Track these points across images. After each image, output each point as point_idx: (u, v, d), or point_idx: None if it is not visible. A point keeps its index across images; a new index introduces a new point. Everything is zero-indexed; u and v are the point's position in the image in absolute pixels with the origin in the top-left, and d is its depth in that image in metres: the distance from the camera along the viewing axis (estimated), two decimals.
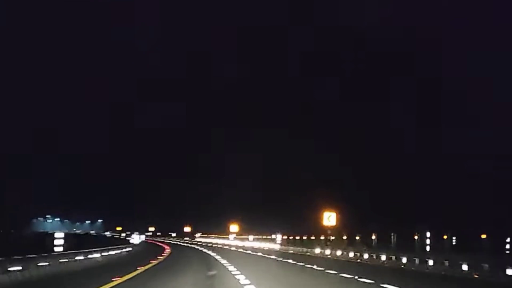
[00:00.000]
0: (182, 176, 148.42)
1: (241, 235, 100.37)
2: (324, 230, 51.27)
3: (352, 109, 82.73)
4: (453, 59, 69.87)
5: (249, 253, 55.27)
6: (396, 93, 75.99)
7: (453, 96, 67.54)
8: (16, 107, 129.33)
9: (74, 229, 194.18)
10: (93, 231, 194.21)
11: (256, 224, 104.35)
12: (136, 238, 68.39)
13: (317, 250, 51.61)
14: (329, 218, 50.25)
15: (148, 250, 61.49)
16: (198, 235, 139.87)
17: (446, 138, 65.95)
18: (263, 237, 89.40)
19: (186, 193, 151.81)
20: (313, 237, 56.26)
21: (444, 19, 79.67)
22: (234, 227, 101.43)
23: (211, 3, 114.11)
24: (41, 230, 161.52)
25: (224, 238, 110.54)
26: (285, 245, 67.42)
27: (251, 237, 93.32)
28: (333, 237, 49.59)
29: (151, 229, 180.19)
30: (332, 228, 50.67)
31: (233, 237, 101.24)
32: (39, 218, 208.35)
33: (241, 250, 68.07)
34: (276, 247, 70.46)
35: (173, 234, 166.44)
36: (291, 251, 60.47)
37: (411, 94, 74.28)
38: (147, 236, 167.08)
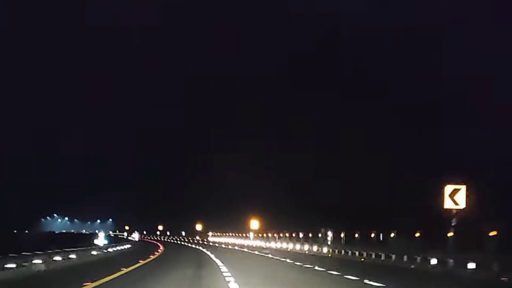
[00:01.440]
0: (190, 174, 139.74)
1: (263, 233, 75.76)
2: (447, 217, 25.49)
3: (352, 109, 78.84)
4: (453, 59, 67.06)
5: (300, 267, 30.14)
6: (395, 93, 73.14)
7: (453, 96, 65.07)
8: (16, 107, 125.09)
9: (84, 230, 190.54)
10: (96, 231, 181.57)
11: (281, 220, 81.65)
12: (101, 238, 44.02)
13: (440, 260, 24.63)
14: (456, 197, 25.10)
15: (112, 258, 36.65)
16: (210, 233, 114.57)
17: (446, 138, 62.97)
18: (294, 235, 64.76)
19: (196, 190, 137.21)
20: (416, 233, 30.03)
21: (444, 19, 76.44)
22: (254, 224, 76.35)
23: (211, 3, 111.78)
24: (48, 230, 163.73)
25: (241, 237, 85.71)
26: (340, 248, 41.71)
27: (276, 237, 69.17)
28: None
29: (160, 228, 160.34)
30: (458, 214, 25.22)
31: (253, 236, 76.20)
32: (47, 218, 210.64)
33: (272, 256, 42.89)
34: (324, 250, 44.80)
35: (183, 233, 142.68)
36: (364, 259, 35.46)
37: (411, 93, 71.26)
38: (157, 235, 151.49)
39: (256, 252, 48.93)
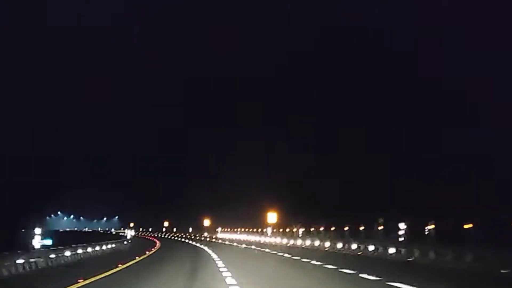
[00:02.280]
0: (192, 173, 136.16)
1: (283, 228, 59.88)
2: None
3: (352, 109, 77.07)
4: (453, 59, 65.39)
5: None
6: (396, 93, 71.48)
7: (453, 96, 63.47)
8: (16, 107, 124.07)
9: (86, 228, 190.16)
10: (99, 228, 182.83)
11: (297, 214, 66.60)
12: (37, 238, 27.87)
13: None
14: None
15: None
16: (219, 229, 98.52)
17: (446, 138, 61.48)
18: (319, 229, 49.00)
19: (200, 185, 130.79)
20: None
21: (444, 19, 74.40)
22: (272, 217, 60.53)
23: (211, 3, 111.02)
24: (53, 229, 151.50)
25: (255, 233, 69.96)
26: (425, 247, 25.22)
27: (300, 231, 53.42)
28: None
29: (166, 224, 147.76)
30: None
31: (271, 231, 60.21)
32: (52, 216, 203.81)
33: (320, 263, 26.43)
34: (390, 250, 28.15)
35: (190, 229, 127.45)
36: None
37: (411, 94, 69.42)
38: (162, 232, 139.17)
39: (287, 255, 33.02)
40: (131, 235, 72.09)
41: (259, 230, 66.20)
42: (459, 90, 60.82)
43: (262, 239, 60.97)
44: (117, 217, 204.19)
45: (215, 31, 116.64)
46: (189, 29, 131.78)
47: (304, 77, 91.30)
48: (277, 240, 55.66)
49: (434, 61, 68.25)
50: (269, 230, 59.41)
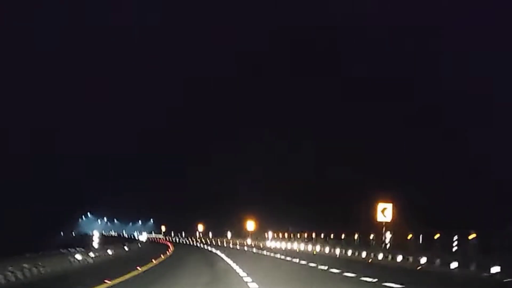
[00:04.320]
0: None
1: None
2: None
3: (353, 109, 74.90)
4: (453, 59, 63.85)
5: None
6: (396, 93, 69.26)
7: (453, 96, 61.77)
8: (17, 107, 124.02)
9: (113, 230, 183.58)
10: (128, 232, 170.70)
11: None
12: None
13: None
14: None
15: None
16: (269, 234, 66.02)
17: (447, 138, 60.17)
18: None
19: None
20: None
21: (444, 19, 73.76)
22: (386, 209, 28.16)
23: (211, 3, 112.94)
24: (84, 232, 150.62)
25: (341, 241, 37.07)
26: None
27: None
28: None
29: (200, 228, 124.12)
30: None
31: (390, 236, 27.64)
32: (83, 218, 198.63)
33: None
34: None
35: (229, 234, 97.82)
36: None
37: (411, 94, 68.23)
38: (195, 237, 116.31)
39: None
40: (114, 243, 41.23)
41: (344, 236, 32.93)
42: (459, 90, 59.34)
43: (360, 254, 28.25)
44: (152, 219, 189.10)
45: (215, 31, 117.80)
46: (189, 29, 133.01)
47: (304, 77, 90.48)
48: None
49: (434, 61, 66.71)
50: (388, 235, 26.69)
